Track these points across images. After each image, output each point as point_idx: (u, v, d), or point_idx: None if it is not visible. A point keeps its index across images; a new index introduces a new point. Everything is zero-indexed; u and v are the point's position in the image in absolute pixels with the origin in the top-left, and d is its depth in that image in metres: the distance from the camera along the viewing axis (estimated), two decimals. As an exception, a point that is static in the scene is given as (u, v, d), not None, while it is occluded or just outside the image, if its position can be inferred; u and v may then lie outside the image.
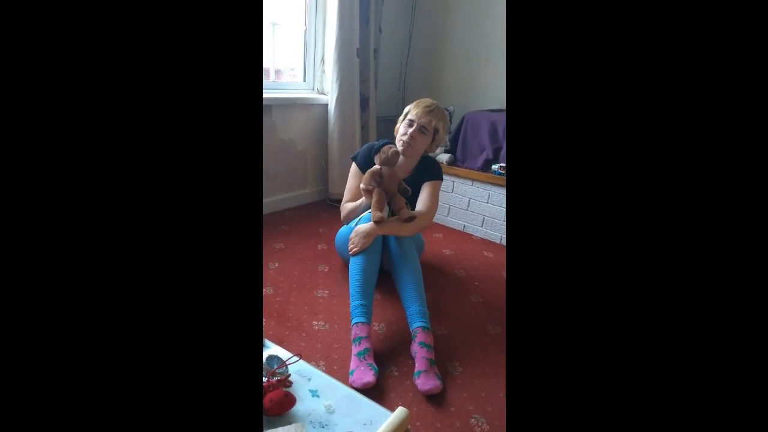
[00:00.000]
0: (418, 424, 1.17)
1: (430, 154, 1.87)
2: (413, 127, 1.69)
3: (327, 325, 1.58)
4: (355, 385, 1.26)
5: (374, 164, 1.72)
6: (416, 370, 1.32)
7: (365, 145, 1.87)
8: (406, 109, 1.77)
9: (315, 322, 1.59)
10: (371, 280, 1.53)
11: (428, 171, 1.81)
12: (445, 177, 2.62)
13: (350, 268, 1.57)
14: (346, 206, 1.84)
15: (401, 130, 1.73)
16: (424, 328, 1.42)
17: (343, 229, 1.85)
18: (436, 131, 1.73)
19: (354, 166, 1.86)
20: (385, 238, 1.68)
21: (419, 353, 1.35)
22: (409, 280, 1.53)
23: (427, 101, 1.72)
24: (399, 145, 1.72)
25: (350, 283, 1.53)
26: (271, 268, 1.96)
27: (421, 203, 1.76)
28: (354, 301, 1.48)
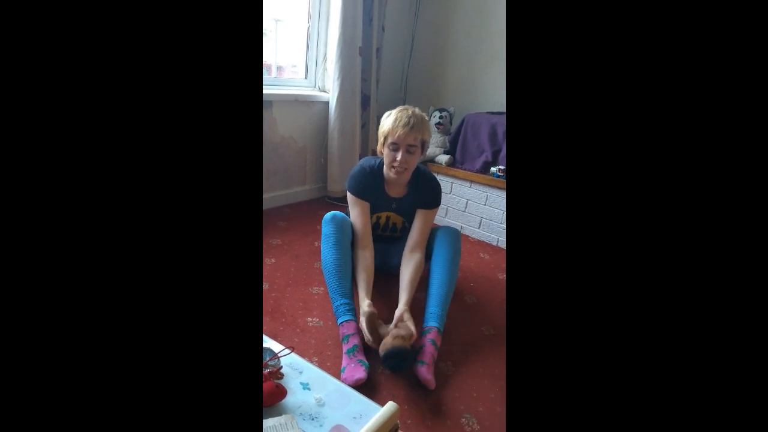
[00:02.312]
0: (408, 422, 1.18)
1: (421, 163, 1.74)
2: (400, 151, 1.51)
3: (321, 322, 1.58)
4: (346, 383, 1.25)
5: (372, 180, 1.62)
6: (420, 359, 1.33)
7: (357, 177, 1.65)
8: (383, 128, 1.55)
9: (309, 319, 1.60)
10: (347, 277, 1.54)
11: (427, 192, 1.65)
12: (443, 178, 2.64)
13: (323, 268, 1.57)
14: (357, 253, 1.60)
15: (388, 155, 1.55)
16: (438, 330, 1.45)
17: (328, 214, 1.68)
18: (423, 142, 1.56)
19: (352, 198, 1.65)
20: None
21: (428, 348, 1.37)
22: (445, 282, 1.54)
23: (402, 117, 1.50)
24: (392, 173, 1.58)
25: (327, 284, 1.54)
26: (267, 263, 1.96)
27: (415, 233, 1.63)
28: (335, 301, 1.49)
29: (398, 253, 1.72)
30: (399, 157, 1.51)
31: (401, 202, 1.70)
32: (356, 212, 1.64)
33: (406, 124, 1.48)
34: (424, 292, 1.61)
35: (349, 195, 1.67)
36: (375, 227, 1.74)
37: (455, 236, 1.65)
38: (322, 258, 1.60)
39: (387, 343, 1.30)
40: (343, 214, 1.66)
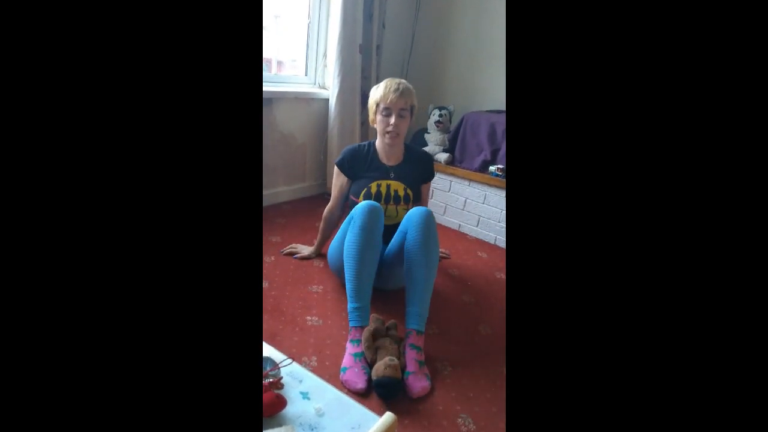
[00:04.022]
0: (406, 422, 1.20)
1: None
2: (393, 116, 1.65)
3: (321, 321, 1.60)
4: (346, 386, 1.28)
5: (363, 153, 1.77)
6: (406, 370, 1.34)
7: (347, 149, 1.82)
8: (373, 97, 1.69)
9: (309, 317, 1.61)
10: (368, 281, 1.48)
11: (423, 163, 1.84)
12: (442, 176, 2.65)
13: (345, 260, 1.49)
14: (324, 217, 1.97)
15: (381, 121, 1.68)
16: (417, 331, 1.43)
17: (335, 242, 1.74)
18: (412, 107, 1.71)
19: (337, 170, 1.83)
20: (397, 232, 1.61)
21: (409, 354, 1.38)
22: (420, 278, 1.47)
23: (392, 84, 1.64)
24: (386, 138, 1.70)
25: (347, 284, 1.48)
26: (266, 261, 1.98)
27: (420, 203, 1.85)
28: (351, 303, 1.46)
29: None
30: (392, 120, 1.65)
31: (398, 169, 1.78)
32: (336, 185, 1.85)
33: (396, 90, 1.62)
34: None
35: (335, 169, 1.84)
36: (377, 198, 1.71)
37: (428, 217, 1.50)
38: (345, 248, 1.50)
39: (378, 370, 1.28)
40: (379, 205, 1.52)
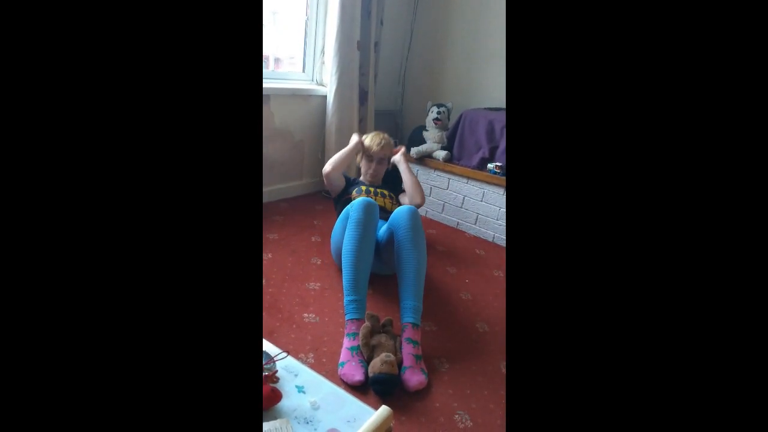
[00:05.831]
0: (403, 418, 1.19)
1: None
2: (374, 162, 2.14)
3: (318, 318, 1.60)
4: (344, 380, 1.28)
5: (350, 176, 2.20)
6: (403, 365, 1.34)
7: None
8: (365, 142, 2.17)
9: (306, 315, 1.61)
10: (365, 274, 1.53)
11: (397, 179, 2.22)
12: (440, 174, 2.66)
13: (343, 255, 1.56)
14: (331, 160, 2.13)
15: (365, 165, 2.17)
16: (413, 324, 1.45)
17: (337, 230, 1.83)
18: (389, 156, 2.21)
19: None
20: (388, 229, 1.69)
21: (406, 349, 1.38)
22: (411, 272, 1.54)
23: (377, 139, 2.14)
24: (369, 177, 2.17)
25: (344, 277, 1.53)
26: (264, 259, 1.97)
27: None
28: (348, 296, 1.50)
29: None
30: (374, 166, 2.15)
31: (381, 186, 2.20)
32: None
33: (379, 144, 2.14)
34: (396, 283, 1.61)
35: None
36: (368, 193, 2.09)
37: (413, 214, 1.64)
38: (343, 243, 1.59)
39: (375, 366, 1.29)
40: (374, 201, 1.66)
